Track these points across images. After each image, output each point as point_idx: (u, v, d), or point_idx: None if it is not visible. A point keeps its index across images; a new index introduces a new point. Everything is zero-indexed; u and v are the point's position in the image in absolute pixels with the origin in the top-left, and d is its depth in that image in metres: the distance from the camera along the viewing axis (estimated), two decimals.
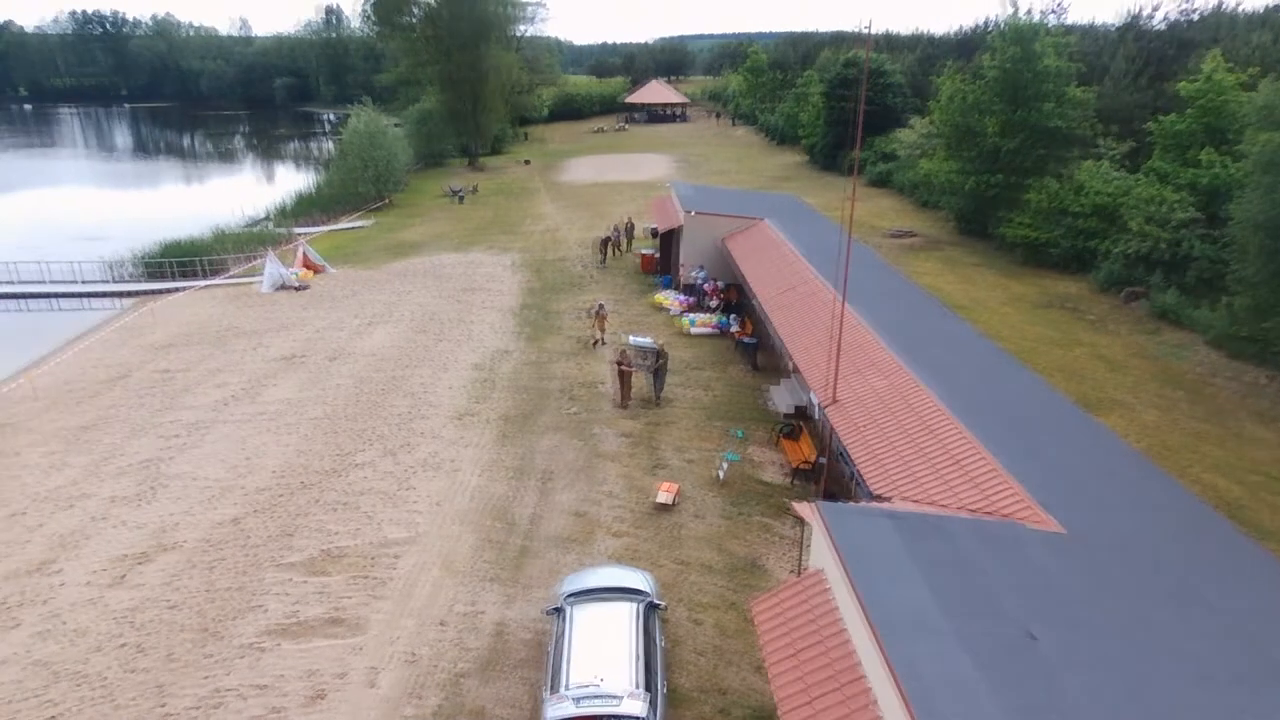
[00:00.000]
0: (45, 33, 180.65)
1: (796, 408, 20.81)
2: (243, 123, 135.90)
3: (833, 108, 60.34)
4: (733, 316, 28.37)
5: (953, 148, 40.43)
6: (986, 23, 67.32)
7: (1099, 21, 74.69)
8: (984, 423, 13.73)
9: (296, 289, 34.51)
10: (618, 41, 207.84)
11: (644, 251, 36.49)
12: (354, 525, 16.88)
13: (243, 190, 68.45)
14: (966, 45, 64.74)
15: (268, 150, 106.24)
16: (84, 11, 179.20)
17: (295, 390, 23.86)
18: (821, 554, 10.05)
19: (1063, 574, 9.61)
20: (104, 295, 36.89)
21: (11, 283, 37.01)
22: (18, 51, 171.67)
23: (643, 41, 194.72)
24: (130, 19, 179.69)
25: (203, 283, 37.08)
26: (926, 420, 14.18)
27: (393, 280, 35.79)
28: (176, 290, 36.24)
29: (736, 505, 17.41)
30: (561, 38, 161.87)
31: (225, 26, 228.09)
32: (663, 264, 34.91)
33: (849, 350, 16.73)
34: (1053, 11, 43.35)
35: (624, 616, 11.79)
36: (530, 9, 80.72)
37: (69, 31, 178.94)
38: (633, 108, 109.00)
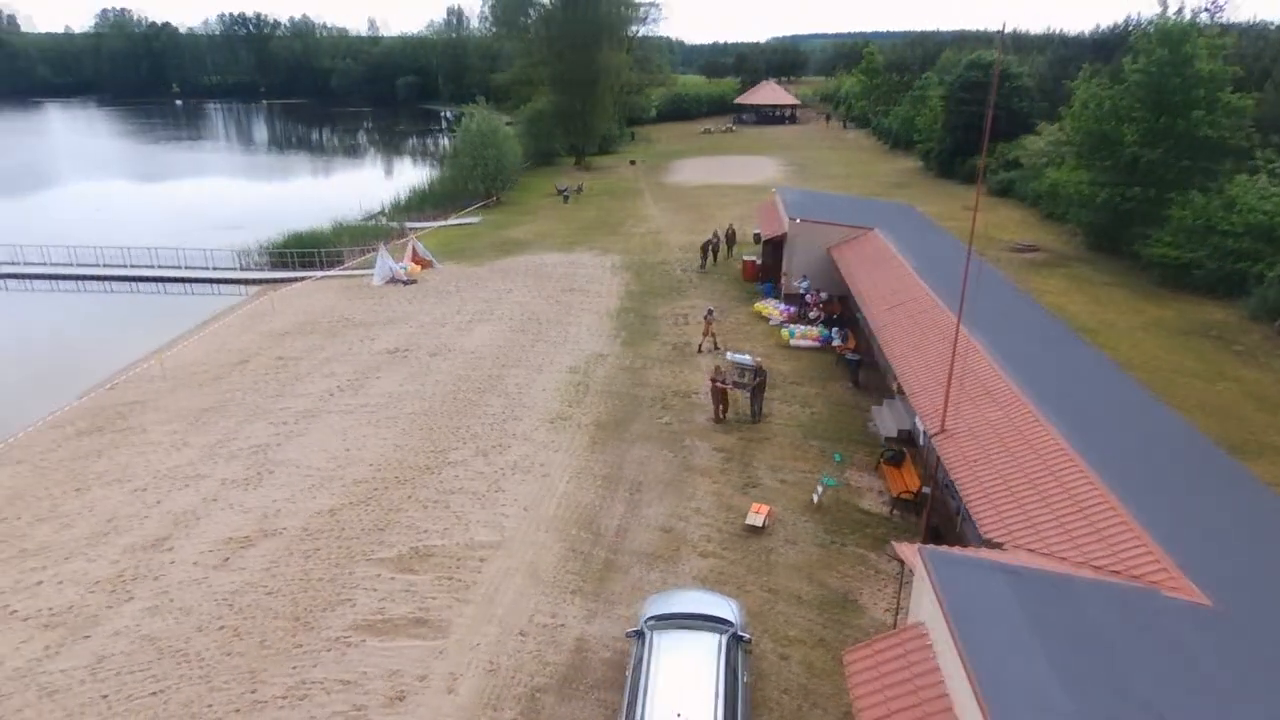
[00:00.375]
0: (198, 34, 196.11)
1: (901, 432, 19.75)
2: (368, 119, 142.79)
3: (953, 111, 57.68)
4: (836, 330, 27.29)
5: (1086, 156, 37.69)
6: (1129, 22, 62.77)
7: (1260, 19, 68.27)
8: (1113, 466, 12.45)
9: (405, 283, 35.60)
10: (731, 41, 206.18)
11: (747, 258, 35.73)
12: (444, 524, 17.06)
13: (363, 184, 71.67)
14: (1105, 46, 60.45)
15: (389, 146, 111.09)
16: (241, 14, 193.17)
17: (397, 384, 24.49)
18: (925, 606, 9.25)
19: (1207, 654, 8.46)
20: (232, 282, 39.22)
21: (152, 267, 39.93)
22: (176, 52, 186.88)
23: (756, 41, 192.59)
24: (273, 20, 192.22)
25: (320, 273, 38.84)
26: (1047, 459, 13.00)
27: (496, 278, 36.40)
28: (296, 280, 38.10)
29: (832, 533, 16.58)
30: (674, 37, 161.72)
31: (364, 27, 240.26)
32: (766, 271, 34.05)
33: (963, 375, 15.61)
34: (1212, 10, 39.69)
35: (708, 648, 11.28)
36: (646, 10, 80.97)
37: (218, 33, 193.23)
38: (743, 109, 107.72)
